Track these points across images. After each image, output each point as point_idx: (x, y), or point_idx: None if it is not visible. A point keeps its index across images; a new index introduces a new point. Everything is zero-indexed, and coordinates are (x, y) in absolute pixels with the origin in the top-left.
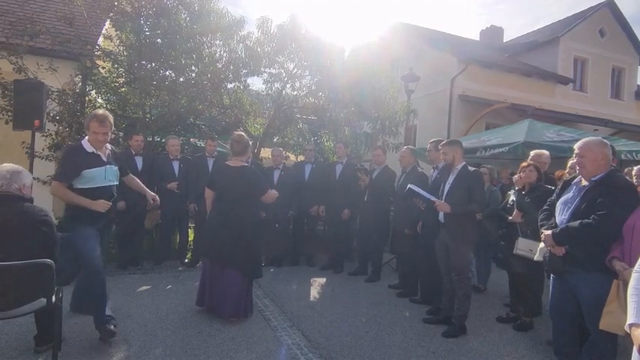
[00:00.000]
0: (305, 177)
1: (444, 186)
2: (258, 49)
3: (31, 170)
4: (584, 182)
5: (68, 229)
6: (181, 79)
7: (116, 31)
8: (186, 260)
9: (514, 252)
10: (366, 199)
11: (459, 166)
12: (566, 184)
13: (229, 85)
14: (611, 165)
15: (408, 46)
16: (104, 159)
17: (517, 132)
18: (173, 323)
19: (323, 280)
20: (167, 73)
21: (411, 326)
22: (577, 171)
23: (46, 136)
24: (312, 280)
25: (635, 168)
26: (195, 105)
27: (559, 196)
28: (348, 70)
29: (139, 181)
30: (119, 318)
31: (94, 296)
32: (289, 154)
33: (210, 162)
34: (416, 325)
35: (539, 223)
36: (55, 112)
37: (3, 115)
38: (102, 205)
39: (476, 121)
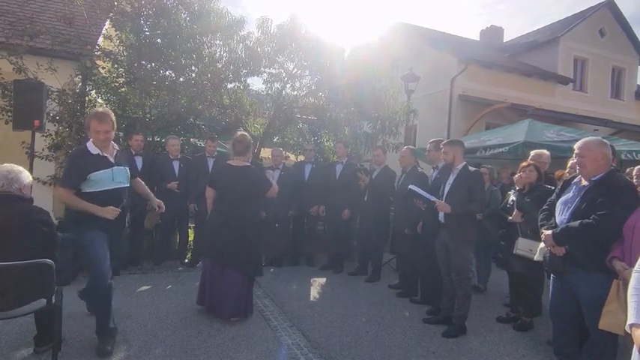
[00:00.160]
0: (305, 177)
1: (444, 186)
2: (258, 49)
3: (31, 170)
4: (584, 182)
5: (75, 233)
6: (181, 79)
7: (116, 31)
8: (186, 260)
9: (514, 252)
10: (366, 199)
11: (460, 166)
12: (566, 184)
13: (229, 85)
14: (611, 165)
15: (408, 46)
16: (111, 160)
17: (517, 132)
18: (173, 323)
19: (323, 280)
20: (167, 73)
21: (411, 326)
22: (577, 171)
23: (46, 137)
24: (312, 280)
25: (636, 168)
26: (195, 105)
27: (559, 196)
28: (348, 70)
29: (145, 185)
30: (119, 318)
31: (99, 306)
32: (289, 154)
33: (211, 162)
34: (416, 325)
35: (539, 223)
36: (55, 112)
37: (3, 115)
38: (110, 212)
39: (476, 121)
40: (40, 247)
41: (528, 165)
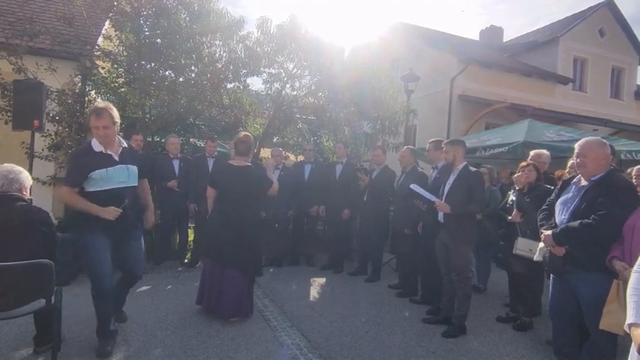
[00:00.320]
0: (305, 177)
1: (444, 186)
2: (258, 49)
3: (30, 170)
4: (584, 182)
5: (75, 233)
6: (181, 79)
7: (116, 31)
8: (186, 260)
9: (514, 252)
10: (365, 199)
11: (460, 167)
12: (565, 184)
13: (229, 85)
14: (611, 165)
15: (408, 46)
16: (116, 158)
17: (517, 132)
18: (172, 323)
19: (323, 280)
20: (167, 73)
21: (410, 326)
22: (577, 171)
23: (46, 137)
24: (311, 280)
25: (635, 168)
26: (195, 105)
27: (558, 196)
28: (347, 70)
29: (148, 190)
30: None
31: (99, 308)
32: (289, 154)
33: (211, 162)
34: (416, 325)
35: (538, 223)
36: (54, 113)
37: (2, 115)
38: (111, 213)
39: (475, 121)
40: (39, 247)
41: (528, 165)
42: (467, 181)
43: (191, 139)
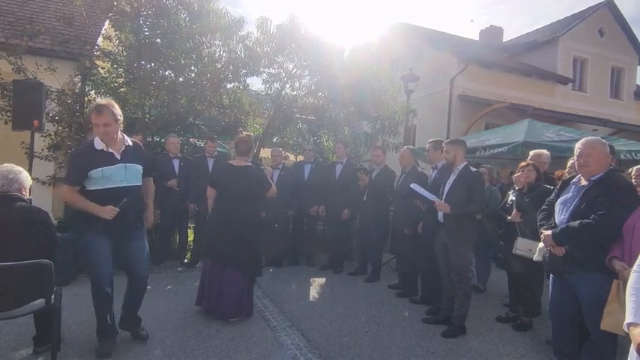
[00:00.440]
0: (304, 177)
1: (444, 186)
2: (258, 49)
3: (30, 170)
4: (584, 182)
5: (75, 233)
6: (181, 79)
7: (115, 31)
8: (186, 260)
9: (513, 252)
10: (365, 199)
11: (461, 167)
12: (565, 184)
13: (229, 85)
14: (611, 165)
15: (407, 46)
16: (117, 156)
17: (516, 132)
18: (172, 324)
19: (323, 280)
20: (166, 73)
21: (410, 326)
22: (578, 170)
23: (46, 137)
24: (311, 280)
25: (634, 168)
26: (195, 105)
27: (558, 196)
28: (347, 70)
29: (153, 193)
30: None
31: (98, 309)
32: (289, 154)
33: (210, 162)
34: (415, 325)
35: (538, 223)
36: (54, 113)
37: (2, 115)
38: (108, 212)
39: (475, 120)
40: (39, 247)
41: (527, 165)
42: (467, 181)
43: (191, 139)
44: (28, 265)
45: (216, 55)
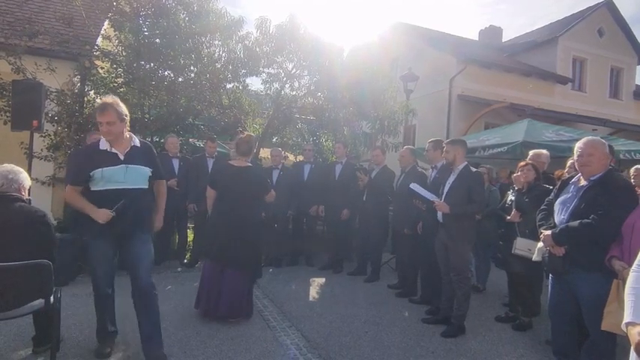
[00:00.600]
0: (304, 177)
1: (444, 186)
2: (257, 49)
3: (29, 170)
4: (583, 182)
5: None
6: (180, 79)
7: (115, 31)
8: (185, 260)
9: (513, 252)
10: (364, 199)
11: (461, 167)
12: (564, 184)
13: (228, 85)
14: (610, 164)
15: (407, 45)
16: (120, 157)
17: (516, 132)
18: (172, 324)
19: (322, 280)
20: (166, 73)
21: (409, 326)
22: (579, 170)
23: (45, 137)
24: (311, 280)
25: (633, 168)
26: (194, 105)
27: (557, 196)
28: (347, 70)
29: (164, 196)
30: (118, 319)
31: (97, 311)
32: (288, 154)
33: (210, 162)
34: (415, 325)
35: (537, 223)
36: (53, 113)
37: (1, 115)
38: (101, 216)
39: (475, 120)
40: (38, 247)
41: (526, 164)
42: (467, 182)
43: (190, 140)
44: (27, 266)
45: (216, 55)
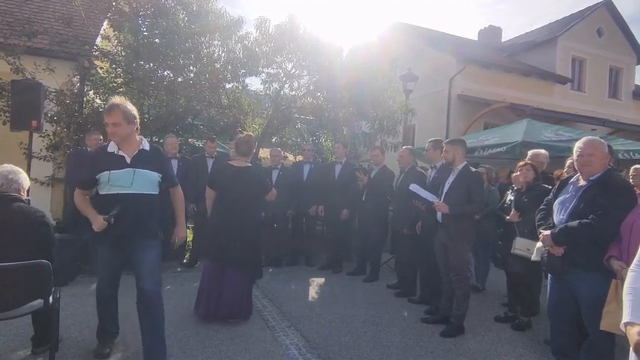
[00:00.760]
0: (304, 177)
1: (443, 186)
2: (257, 49)
3: (28, 171)
4: (582, 182)
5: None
6: (179, 80)
7: (114, 31)
8: (185, 261)
9: (512, 252)
10: (364, 199)
11: (460, 167)
12: (563, 184)
13: (228, 85)
14: (609, 164)
15: (407, 45)
16: (127, 160)
17: (515, 132)
18: (171, 324)
19: (322, 280)
20: (165, 73)
21: (409, 326)
22: (579, 170)
23: (44, 137)
24: (310, 280)
25: (632, 168)
26: (194, 105)
27: (556, 196)
28: (346, 70)
29: (182, 204)
30: (119, 319)
31: (98, 312)
32: (288, 154)
33: (210, 162)
34: (414, 325)
35: (536, 223)
36: (52, 113)
37: (0, 115)
38: (97, 224)
39: (474, 120)
40: (37, 247)
41: (525, 164)
42: (467, 182)
43: (190, 140)
44: (26, 266)
45: (215, 55)
